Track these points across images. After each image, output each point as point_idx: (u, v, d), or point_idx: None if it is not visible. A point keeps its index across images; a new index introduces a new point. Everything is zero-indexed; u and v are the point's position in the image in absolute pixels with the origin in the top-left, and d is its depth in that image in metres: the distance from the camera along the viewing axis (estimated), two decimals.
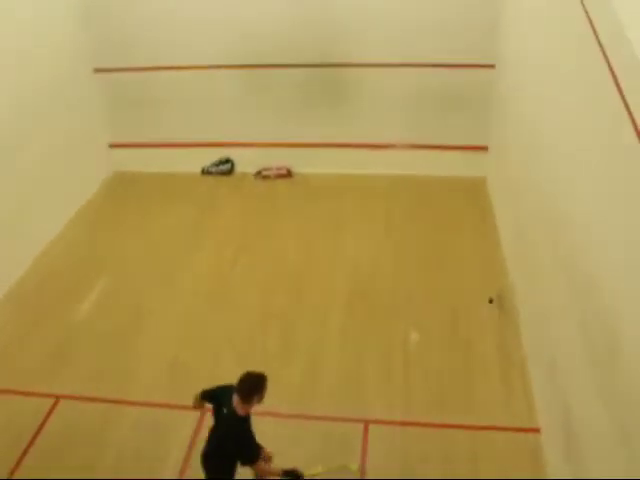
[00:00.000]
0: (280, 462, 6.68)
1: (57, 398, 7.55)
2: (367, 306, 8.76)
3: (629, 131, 4.58)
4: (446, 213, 10.69)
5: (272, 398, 7.31)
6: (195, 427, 7.13)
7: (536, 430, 6.94)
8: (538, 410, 7.11)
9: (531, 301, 7.76)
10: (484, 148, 11.24)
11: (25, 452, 6.95)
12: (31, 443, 7.05)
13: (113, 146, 12.20)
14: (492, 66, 10.53)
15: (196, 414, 7.22)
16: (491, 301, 8.61)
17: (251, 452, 5.58)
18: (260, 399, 5.42)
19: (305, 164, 11.90)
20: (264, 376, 5.44)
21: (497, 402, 7.30)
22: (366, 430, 7.07)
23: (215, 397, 5.75)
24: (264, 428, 7.02)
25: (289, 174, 12.00)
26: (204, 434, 6.93)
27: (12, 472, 6.73)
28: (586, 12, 5.80)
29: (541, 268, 7.27)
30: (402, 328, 8.37)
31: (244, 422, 5.47)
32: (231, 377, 7.60)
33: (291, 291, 9.16)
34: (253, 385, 5.38)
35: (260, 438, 6.88)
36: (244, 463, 5.56)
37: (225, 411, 5.44)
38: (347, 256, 9.82)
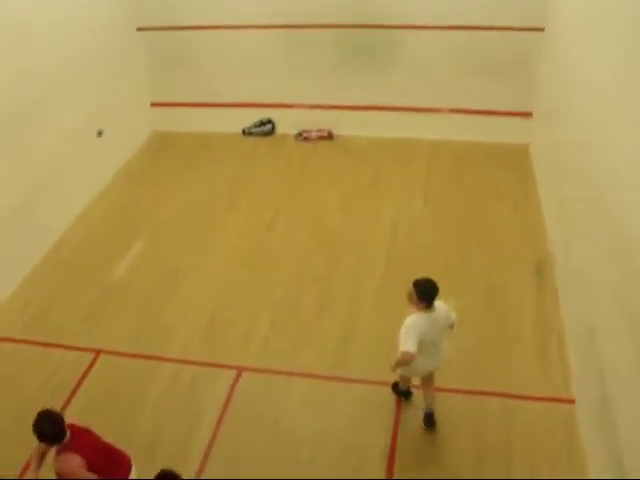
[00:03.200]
0: (314, 423, 6.79)
1: (97, 353, 7.71)
2: (404, 271, 8.66)
3: None
4: (487, 180, 10.54)
5: (307, 360, 7.50)
6: (230, 385, 7.22)
7: (571, 401, 6.88)
8: (574, 381, 7.04)
9: (571, 271, 7.65)
10: (528, 114, 11.01)
11: (66, 405, 7.11)
12: (71, 396, 7.22)
13: (154, 105, 12.25)
14: (541, 29, 10.28)
15: (232, 373, 7.33)
16: (538, 271, 8.49)
17: None
18: None
19: (346, 126, 11.82)
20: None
21: (533, 372, 7.25)
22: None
23: None
24: (299, 389, 7.16)
25: (330, 136, 11.93)
26: (239, 393, 7.13)
27: None
28: None
29: (583, 238, 7.15)
30: (439, 296, 8.28)
31: None
32: (266, 339, 7.77)
33: (328, 254, 9.16)
34: None
35: (294, 400, 6.99)
36: None
37: None
38: (385, 220, 9.77)
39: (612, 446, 5.57)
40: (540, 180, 10.17)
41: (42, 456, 5.60)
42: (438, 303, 6.24)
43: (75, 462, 5.10)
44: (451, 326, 6.45)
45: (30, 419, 6.86)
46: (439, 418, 6.74)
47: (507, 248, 9.01)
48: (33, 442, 6.62)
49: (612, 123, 6.39)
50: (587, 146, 7.26)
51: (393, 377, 6.95)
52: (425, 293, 6.08)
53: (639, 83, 5.60)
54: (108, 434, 6.67)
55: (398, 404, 6.98)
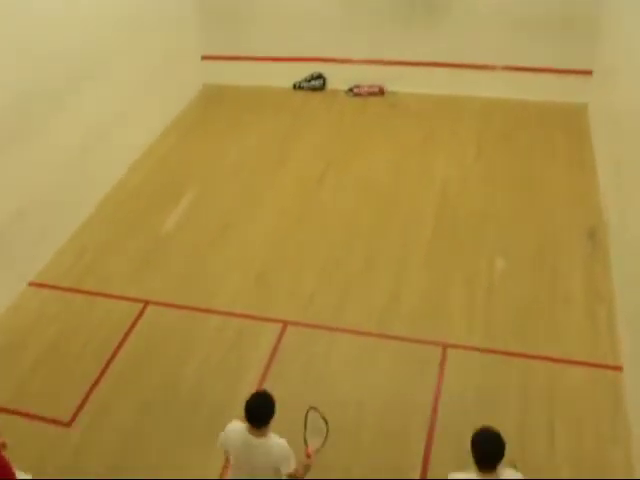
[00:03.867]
0: (358, 380, 6.81)
1: (146, 303, 7.87)
2: (453, 230, 8.63)
3: None
4: (541, 140, 10.28)
5: (353, 316, 7.52)
6: (276, 339, 7.30)
7: (618, 368, 6.77)
8: (622, 349, 6.92)
9: (625, 238, 7.46)
10: (588, 72, 10.64)
11: (114, 354, 7.31)
12: (119, 346, 7.40)
13: (206, 58, 12.20)
14: None
15: (278, 327, 7.41)
16: (591, 235, 8.32)
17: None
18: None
19: (398, 83, 11.62)
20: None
21: (580, 337, 7.14)
22: (444, 353, 7.08)
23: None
24: (344, 345, 7.20)
25: (381, 92, 11.76)
26: (284, 347, 7.20)
27: (102, 372, 7.10)
28: None
29: (638, 205, 6.95)
30: (488, 254, 8.22)
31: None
32: (312, 294, 7.80)
33: (377, 210, 9.11)
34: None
35: (339, 356, 7.02)
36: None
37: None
38: (436, 178, 9.64)
39: None
40: (597, 142, 9.87)
41: None
42: (508, 471, 4.66)
43: None
44: None
45: (82, 365, 7.18)
46: (484, 378, 6.75)
47: (559, 210, 8.82)
48: (81, 390, 6.90)
49: None
50: None
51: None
52: (482, 455, 4.56)
53: None
54: (154, 384, 6.93)
55: (442, 365, 6.97)
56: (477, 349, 7.08)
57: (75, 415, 6.68)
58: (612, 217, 8.20)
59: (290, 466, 4.86)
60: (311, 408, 5.57)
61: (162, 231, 9.01)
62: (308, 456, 5.17)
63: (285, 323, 7.50)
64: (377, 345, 7.23)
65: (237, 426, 4.96)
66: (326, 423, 5.49)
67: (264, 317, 7.60)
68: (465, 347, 7.11)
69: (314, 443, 5.29)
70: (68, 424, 6.61)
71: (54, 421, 6.66)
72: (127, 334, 7.49)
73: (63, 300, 8.06)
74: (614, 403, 6.47)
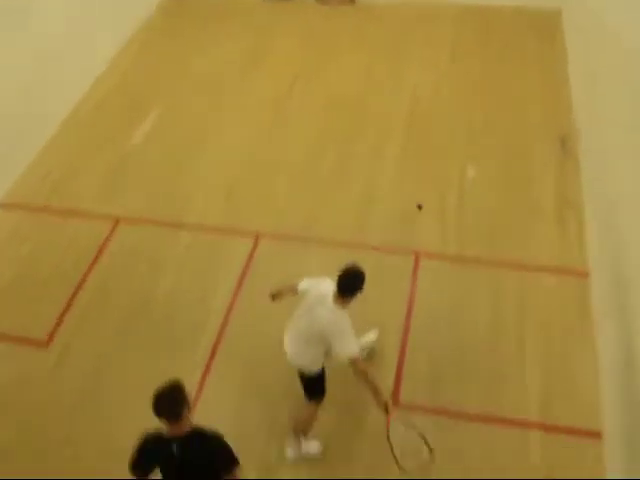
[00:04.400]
0: None
1: (116, 220, 7.80)
2: (425, 137, 8.57)
3: None
4: (514, 46, 10.10)
5: (325, 227, 7.51)
6: (249, 253, 7.30)
7: (586, 274, 6.90)
8: (590, 255, 7.03)
9: (596, 146, 7.44)
10: None
11: (88, 271, 7.29)
12: (93, 264, 7.37)
13: None
14: None
15: (250, 240, 7.40)
16: (562, 143, 8.30)
17: (232, 454, 4.41)
18: (189, 408, 4.19)
19: None
20: (179, 386, 4.16)
21: (549, 243, 7.24)
22: (417, 262, 7.14)
23: (148, 462, 4.31)
24: (316, 256, 7.21)
25: (352, 0, 11.43)
26: (257, 259, 7.21)
27: (78, 287, 7.10)
28: None
29: (611, 113, 6.89)
30: (459, 162, 8.20)
31: (200, 432, 4.32)
32: (284, 206, 7.75)
33: (349, 119, 9.00)
34: (175, 402, 4.12)
35: (312, 267, 7.03)
36: (232, 469, 4.32)
37: (176, 449, 4.16)
38: (408, 84, 9.50)
39: (623, 320, 5.61)
40: (570, 49, 9.70)
41: None
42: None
43: None
44: None
45: (55, 285, 7.15)
46: (456, 285, 6.85)
47: (531, 117, 8.75)
48: (61, 306, 6.89)
49: None
50: (625, 14, 6.87)
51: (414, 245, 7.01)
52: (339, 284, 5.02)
53: None
54: (129, 300, 6.94)
55: (414, 273, 7.03)
56: (449, 257, 7.16)
57: (52, 335, 6.70)
58: (583, 124, 8.16)
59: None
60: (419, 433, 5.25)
61: (130, 147, 8.84)
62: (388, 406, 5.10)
63: (257, 236, 7.48)
64: (350, 255, 7.19)
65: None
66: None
67: (236, 230, 7.58)
68: (437, 256, 7.17)
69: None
70: (45, 344, 6.64)
71: (31, 342, 6.69)
72: (99, 252, 7.46)
73: (33, 221, 7.97)
74: (582, 307, 6.61)
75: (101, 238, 7.59)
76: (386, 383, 6.11)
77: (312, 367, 5.34)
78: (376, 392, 5.09)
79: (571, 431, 5.71)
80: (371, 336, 6.30)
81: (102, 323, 6.80)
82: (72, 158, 8.76)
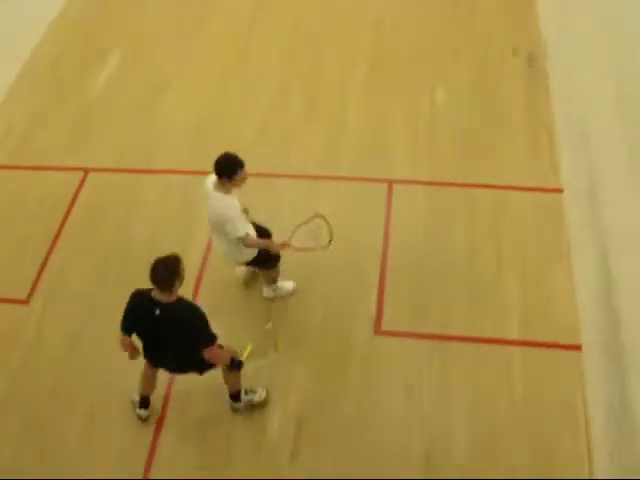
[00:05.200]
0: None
1: (86, 171, 7.67)
2: (391, 63, 8.45)
3: None
4: None
5: (296, 161, 7.47)
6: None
7: (559, 191, 6.94)
8: (563, 171, 7.05)
9: (565, 61, 7.37)
10: None
11: (63, 221, 7.21)
12: (66, 216, 7.28)
13: None
14: None
15: None
16: (530, 60, 8.18)
17: (209, 330, 4.80)
18: (181, 282, 4.66)
19: None
20: (177, 258, 4.63)
21: (522, 161, 7.26)
22: (390, 189, 7.14)
23: (133, 318, 4.91)
24: (289, 190, 7.19)
25: None
26: None
27: (52, 245, 7.02)
28: None
29: (580, 26, 6.80)
30: (428, 86, 8.12)
31: (183, 303, 4.76)
32: (254, 143, 7.67)
33: (313, 51, 8.82)
34: (169, 272, 4.58)
35: (285, 201, 7.03)
36: (207, 344, 4.75)
37: (158, 312, 4.65)
38: (370, 11, 9.29)
39: (598, 233, 5.68)
40: None
41: None
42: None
43: None
44: None
45: (31, 241, 7.08)
46: (431, 209, 6.87)
47: (499, 36, 8.62)
48: (34, 265, 6.84)
49: None
50: None
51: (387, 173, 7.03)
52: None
53: None
54: (107, 249, 6.90)
55: (388, 200, 7.04)
56: (422, 182, 7.16)
57: (32, 291, 6.67)
58: (551, 40, 8.04)
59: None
60: (320, 216, 5.78)
61: (92, 96, 8.60)
62: (286, 245, 5.56)
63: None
64: (323, 187, 7.24)
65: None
66: (330, 236, 5.77)
67: (208, 170, 7.45)
68: (410, 181, 7.17)
69: (301, 243, 5.56)
70: (26, 301, 6.61)
71: (11, 300, 6.66)
72: (71, 205, 7.34)
73: (1, 178, 7.80)
74: (556, 224, 6.69)
75: (72, 190, 7.47)
76: (368, 310, 6.24)
77: (242, 256, 5.72)
78: (268, 245, 5.65)
79: (551, 345, 5.85)
80: (286, 285, 6.36)
81: (82, 273, 6.76)
82: (34, 111, 8.52)
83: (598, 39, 5.98)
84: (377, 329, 6.11)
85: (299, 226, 5.69)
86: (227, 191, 5.32)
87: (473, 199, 6.97)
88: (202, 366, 5.07)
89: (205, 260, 6.72)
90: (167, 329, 4.69)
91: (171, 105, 8.35)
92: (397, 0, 9.44)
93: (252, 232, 5.55)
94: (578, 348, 5.77)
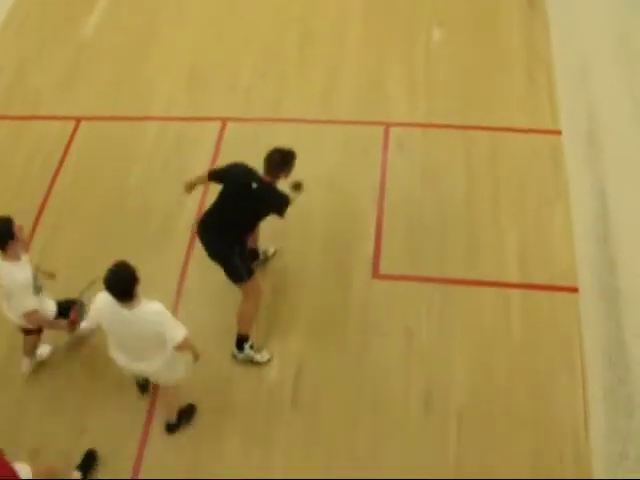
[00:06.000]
0: (305, 167, 6.76)
1: (78, 120, 7.54)
2: (387, 2, 8.25)
3: None
4: None
5: (293, 105, 7.37)
6: (217, 138, 7.18)
7: (558, 132, 6.88)
8: (562, 113, 6.97)
9: (565, 3, 7.20)
10: None
11: (57, 172, 7.14)
12: (59, 167, 7.19)
13: None
14: None
15: (217, 124, 7.27)
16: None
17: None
18: (286, 175, 5.32)
19: None
20: (293, 152, 5.29)
21: (520, 102, 7.19)
22: (387, 132, 7.07)
23: (226, 175, 5.47)
24: (286, 135, 7.10)
25: None
26: (226, 144, 7.12)
27: (47, 196, 6.95)
28: None
29: None
30: (425, 24, 7.97)
31: (277, 188, 5.33)
32: (249, 87, 7.55)
33: None
34: (282, 160, 5.24)
35: (279, 144, 6.98)
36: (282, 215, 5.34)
37: (255, 185, 5.21)
38: None
39: (596, 174, 5.65)
40: None
41: None
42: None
43: None
44: None
45: (23, 196, 6.99)
46: (428, 153, 6.81)
47: None
48: (28, 218, 6.73)
49: None
50: None
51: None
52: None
53: None
54: (101, 198, 6.86)
55: (385, 144, 6.97)
56: (420, 125, 7.10)
57: (28, 242, 6.62)
58: None
59: (176, 335, 4.45)
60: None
61: (82, 39, 8.40)
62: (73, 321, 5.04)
63: (224, 120, 7.34)
64: (320, 131, 7.18)
65: (105, 299, 4.43)
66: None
67: (202, 117, 7.43)
68: (407, 124, 7.11)
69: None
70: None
71: None
72: (65, 154, 7.25)
73: None
74: (555, 165, 6.66)
75: (65, 139, 7.36)
76: (366, 253, 6.25)
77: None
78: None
79: (548, 287, 5.89)
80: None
81: (77, 223, 6.72)
82: (22, 58, 8.32)
83: None
84: (375, 273, 6.13)
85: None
86: (137, 301, 4.41)
87: (471, 141, 6.91)
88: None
89: (201, 208, 6.66)
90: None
91: (163, 47, 8.20)
92: None
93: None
94: (575, 290, 5.81)
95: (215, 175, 5.55)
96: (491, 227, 6.30)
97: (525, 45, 7.66)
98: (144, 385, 5.53)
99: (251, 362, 5.66)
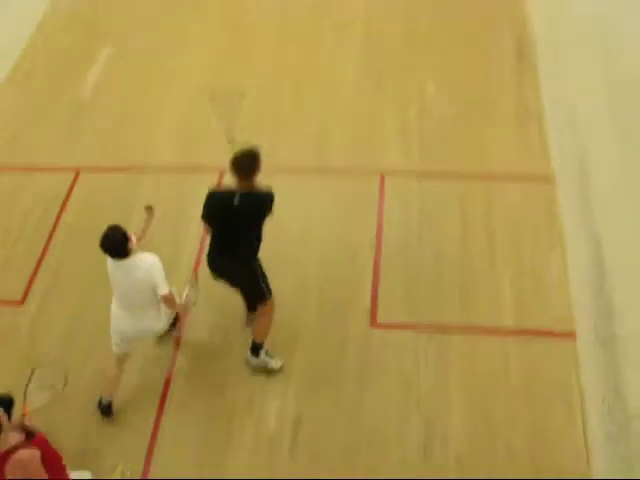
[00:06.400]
0: (300, 216, 6.84)
1: (77, 171, 7.64)
2: (382, 55, 8.48)
3: None
4: None
5: (288, 154, 7.45)
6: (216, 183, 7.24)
7: (551, 179, 6.97)
8: (554, 159, 7.08)
9: (554, 52, 7.43)
10: None
11: (54, 227, 7.17)
12: (58, 219, 7.25)
13: None
14: None
15: (214, 175, 7.32)
16: (519, 52, 8.26)
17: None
18: (258, 173, 5.25)
19: None
20: (254, 148, 5.23)
21: (513, 152, 7.31)
22: (382, 181, 7.16)
23: (210, 209, 5.43)
24: (281, 183, 7.14)
25: None
26: None
27: (46, 246, 6.99)
28: None
29: (568, 19, 6.85)
30: (418, 77, 8.16)
31: (258, 189, 5.31)
32: (245, 132, 7.59)
33: (301, 46, 8.86)
34: (251, 160, 5.20)
35: (279, 195, 7.01)
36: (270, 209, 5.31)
37: (237, 200, 5.19)
38: (361, 3, 9.30)
39: (590, 220, 5.72)
40: None
41: None
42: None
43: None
44: None
45: (25, 242, 7.04)
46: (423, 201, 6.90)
47: (488, 28, 8.68)
48: (29, 267, 6.77)
49: None
50: None
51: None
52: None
53: None
54: (98, 250, 6.86)
55: (381, 193, 7.05)
56: (414, 173, 7.20)
57: (26, 292, 6.65)
58: (540, 33, 8.07)
59: (163, 287, 5.12)
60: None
61: (81, 95, 8.56)
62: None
63: (222, 171, 7.40)
64: (315, 180, 7.26)
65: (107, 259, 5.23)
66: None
67: (200, 167, 7.50)
68: (402, 173, 7.22)
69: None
70: (21, 302, 6.59)
71: (6, 302, 6.63)
72: (64, 205, 7.32)
73: None
74: (549, 212, 6.73)
75: (64, 190, 7.45)
76: (364, 303, 6.26)
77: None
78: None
79: (545, 334, 5.89)
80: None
81: (76, 274, 6.74)
82: (24, 110, 8.48)
83: (586, 28, 6.02)
84: (373, 322, 6.13)
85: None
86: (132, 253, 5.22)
87: (465, 189, 7.00)
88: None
89: (199, 259, 6.69)
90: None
91: (161, 100, 8.36)
92: None
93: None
94: (572, 336, 5.80)
95: (204, 216, 5.49)
96: (487, 275, 6.34)
97: (516, 96, 7.83)
98: (108, 407, 5.62)
99: (264, 368, 5.78)
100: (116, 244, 5.09)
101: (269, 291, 5.59)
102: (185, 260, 6.70)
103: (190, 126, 7.99)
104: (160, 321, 5.45)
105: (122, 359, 5.62)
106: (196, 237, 6.83)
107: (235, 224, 5.29)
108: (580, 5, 6.45)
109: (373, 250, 6.63)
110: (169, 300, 5.22)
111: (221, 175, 7.32)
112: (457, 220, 6.76)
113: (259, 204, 5.26)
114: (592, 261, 5.60)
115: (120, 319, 5.41)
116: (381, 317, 6.17)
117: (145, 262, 5.17)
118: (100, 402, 5.63)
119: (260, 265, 5.55)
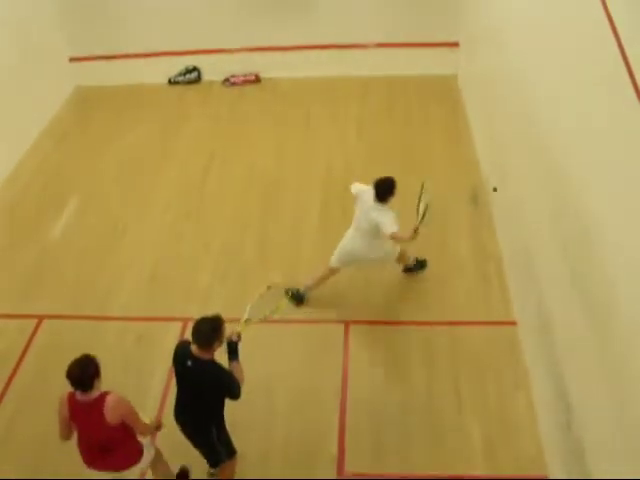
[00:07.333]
0: (265, 367, 6.81)
1: (40, 318, 7.58)
2: (342, 210, 8.73)
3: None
4: (418, 113, 10.61)
5: (251, 307, 7.48)
6: (177, 337, 7.17)
7: (512, 323, 7.15)
8: (514, 304, 7.29)
9: (505, 199, 7.82)
10: (455, 44, 11.02)
11: (13, 373, 7.01)
12: (18, 365, 7.10)
13: (74, 60, 11.79)
14: None
15: (178, 324, 7.32)
16: (474, 200, 8.71)
17: (236, 384, 5.12)
18: (220, 344, 5.06)
19: (273, 69, 11.65)
20: (219, 317, 5.11)
21: (474, 298, 7.49)
22: (347, 329, 7.24)
23: (174, 358, 5.25)
24: (247, 334, 7.14)
25: (257, 80, 11.77)
26: None
27: (3, 393, 6.82)
28: None
29: (515, 166, 7.31)
30: None
31: (214, 363, 5.06)
32: (209, 288, 7.75)
33: (265, 197, 9.17)
34: (213, 329, 4.99)
35: (244, 345, 7.01)
36: (235, 397, 5.11)
37: (190, 363, 5.01)
38: (319, 160, 9.77)
39: (552, 361, 5.83)
40: (470, 109, 10.28)
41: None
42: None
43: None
44: None
45: None
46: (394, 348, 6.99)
47: (442, 178, 9.06)
48: None
49: (530, 52, 6.52)
50: (508, 75, 7.37)
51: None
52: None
53: (572, 13, 5.64)
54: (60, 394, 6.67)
55: (346, 341, 7.11)
56: (380, 322, 7.31)
57: None
58: (491, 179, 8.54)
59: None
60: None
61: (49, 240, 8.69)
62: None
63: (185, 320, 7.40)
64: (280, 330, 7.26)
65: None
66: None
67: (163, 317, 7.51)
68: (367, 322, 7.31)
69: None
70: None
71: None
72: (24, 353, 7.19)
73: None
74: (512, 355, 6.85)
75: (25, 338, 7.33)
76: (329, 453, 6.13)
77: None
78: (412, 236, 6.70)
79: (517, 478, 5.82)
80: None
81: (32, 425, 6.49)
82: None
83: (538, 178, 6.39)
84: (340, 471, 5.97)
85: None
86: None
87: (429, 336, 7.09)
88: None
89: (164, 400, 6.57)
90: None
91: (126, 249, 8.48)
92: (346, 147, 10.01)
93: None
94: (545, 479, 5.74)
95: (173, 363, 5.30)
96: (454, 419, 6.31)
97: (473, 243, 8.16)
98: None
99: None
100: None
101: (228, 453, 5.48)
102: (149, 410, 6.52)
103: (155, 276, 8.06)
104: None
105: None
106: (160, 386, 6.72)
107: (189, 385, 5.18)
108: (524, 150, 6.88)
109: (339, 398, 6.57)
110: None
111: (184, 324, 7.32)
112: (422, 366, 6.80)
113: (210, 378, 5.00)
114: (557, 400, 5.63)
115: None
116: (349, 466, 6.02)
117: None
118: None
119: (221, 426, 5.38)
